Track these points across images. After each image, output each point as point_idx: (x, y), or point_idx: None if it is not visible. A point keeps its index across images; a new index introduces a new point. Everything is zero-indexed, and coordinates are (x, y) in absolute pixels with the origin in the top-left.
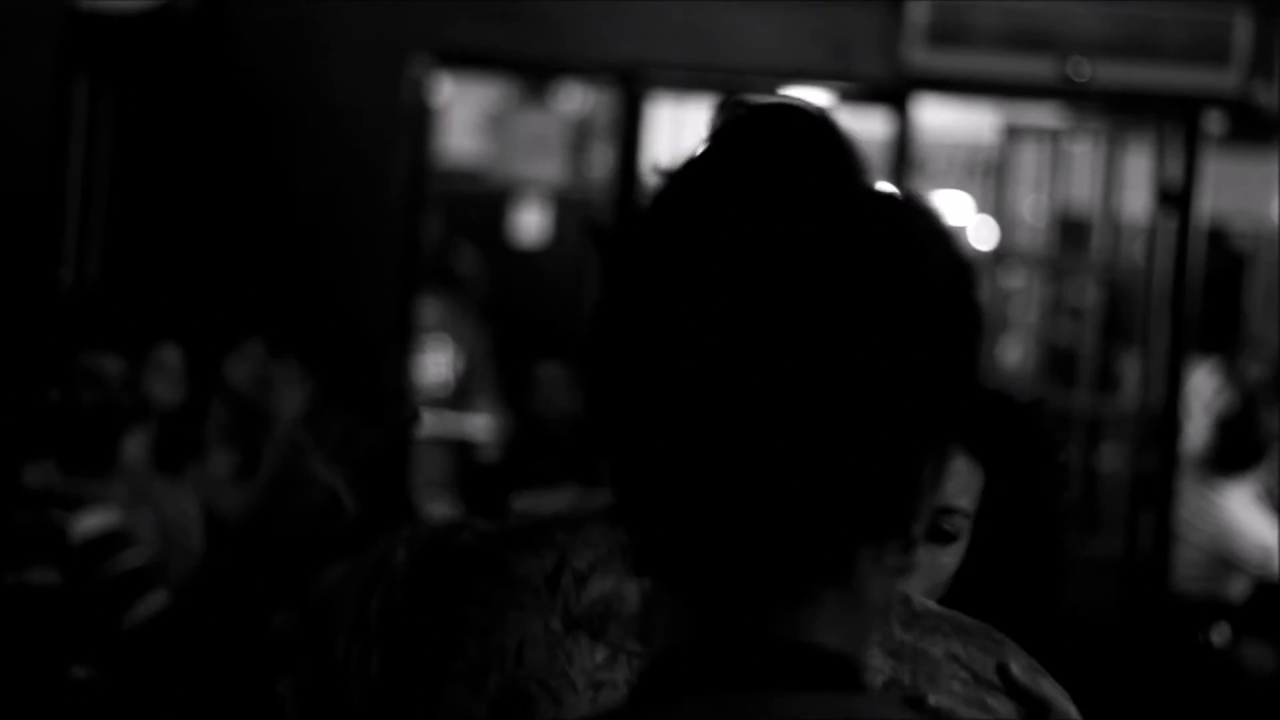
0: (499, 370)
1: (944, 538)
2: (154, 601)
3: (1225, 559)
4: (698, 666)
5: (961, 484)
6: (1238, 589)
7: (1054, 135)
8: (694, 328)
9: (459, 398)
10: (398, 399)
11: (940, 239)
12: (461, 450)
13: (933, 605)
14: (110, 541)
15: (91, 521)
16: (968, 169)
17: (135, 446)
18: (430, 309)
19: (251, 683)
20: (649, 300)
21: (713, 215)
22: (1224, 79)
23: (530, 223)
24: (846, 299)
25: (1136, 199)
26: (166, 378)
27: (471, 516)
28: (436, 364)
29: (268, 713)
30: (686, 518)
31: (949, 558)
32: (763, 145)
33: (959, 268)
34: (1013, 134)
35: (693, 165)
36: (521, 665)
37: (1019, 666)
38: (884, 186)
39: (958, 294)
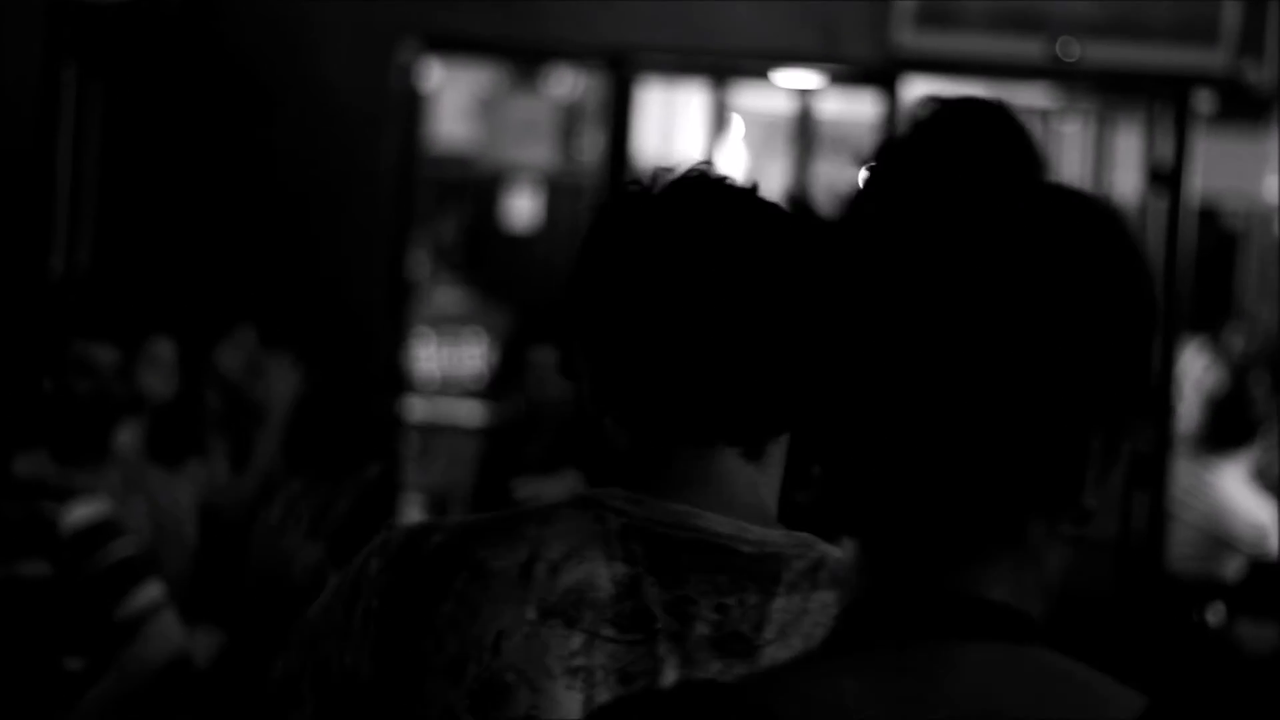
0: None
1: None
2: (147, 593)
3: (1220, 538)
4: (884, 616)
5: None
6: (1232, 568)
7: (1044, 115)
8: (897, 312)
9: (495, 388)
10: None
11: (1118, 233)
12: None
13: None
14: (101, 531)
15: (82, 512)
16: None
17: (128, 437)
18: (459, 300)
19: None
20: (855, 285)
21: (912, 209)
22: (1213, 58)
23: (521, 208)
24: (1028, 287)
25: (1127, 179)
26: (160, 371)
27: (440, 517)
28: (471, 356)
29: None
30: (880, 486)
31: None
32: (956, 142)
33: (1135, 262)
34: None
35: (893, 160)
36: (499, 655)
37: None
38: (1067, 182)
39: (1131, 284)
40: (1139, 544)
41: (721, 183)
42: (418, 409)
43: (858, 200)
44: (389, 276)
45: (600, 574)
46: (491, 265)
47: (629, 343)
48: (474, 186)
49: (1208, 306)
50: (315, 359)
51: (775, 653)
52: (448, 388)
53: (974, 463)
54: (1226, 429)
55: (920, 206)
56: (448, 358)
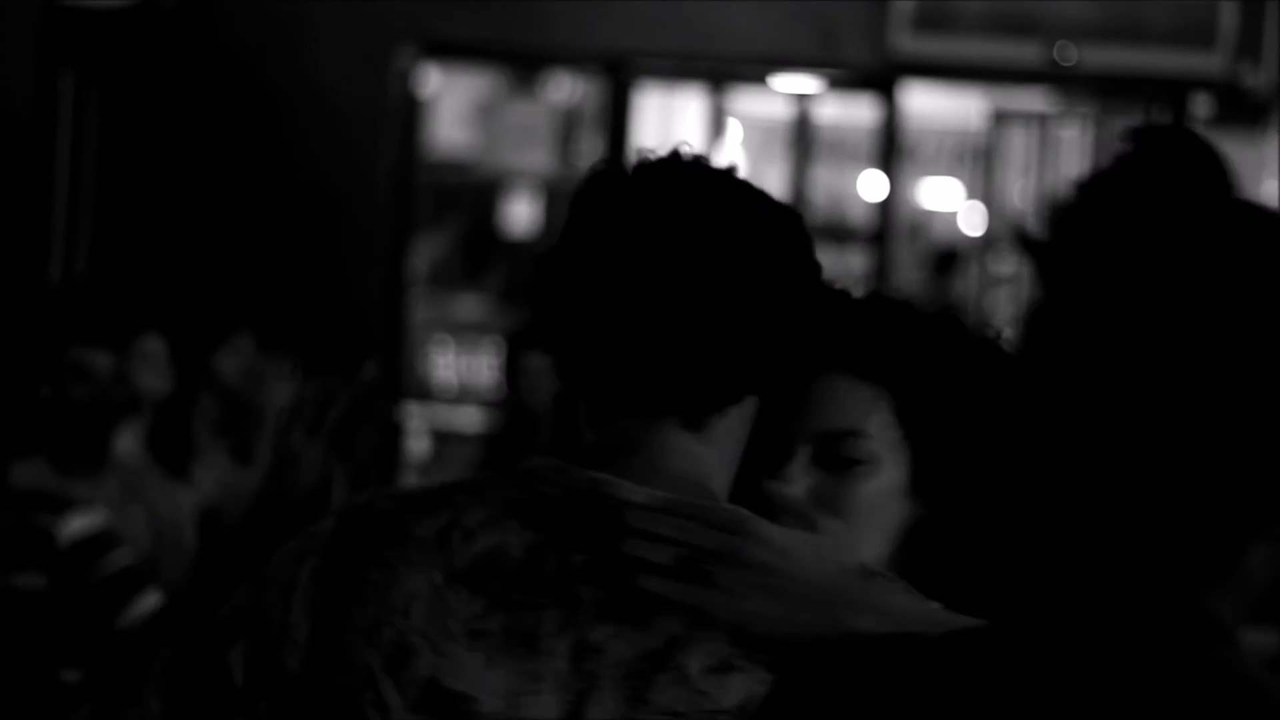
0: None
1: (844, 464)
2: (146, 602)
3: None
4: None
5: (856, 410)
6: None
7: (1042, 120)
8: (1114, 344)
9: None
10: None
11: None
12: None
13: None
14: (98, 542)
15: (79, 523)
16: (956, 154)
17: (128, 442)
18: (478, 307)
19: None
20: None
21: (1115, 231)
22: (1210, 62)
23: (519, 213)
24: (1249, 313)
25: None
26: (153, 367)
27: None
28: (489, 365)
29: (221, 684)
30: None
31: (869, 485)
32: (1161, 172)
33: None
34: (1000, 119)
35: (1105, 191)
36: (408, 618)
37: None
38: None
39: None
40: None
41: (689, 162)
42: (434, 416)
43: (1078, 236)
44: (387, 282)
45: (511, 541)
46: (494, 272)
47: (579, 313)
48: (471, 192)
49: None
50: (313, 364)
51: (669, 622)
52: (465, 396)
53: (1202, 485)
54: None
55: (1140, 239)
56: (465, 366)
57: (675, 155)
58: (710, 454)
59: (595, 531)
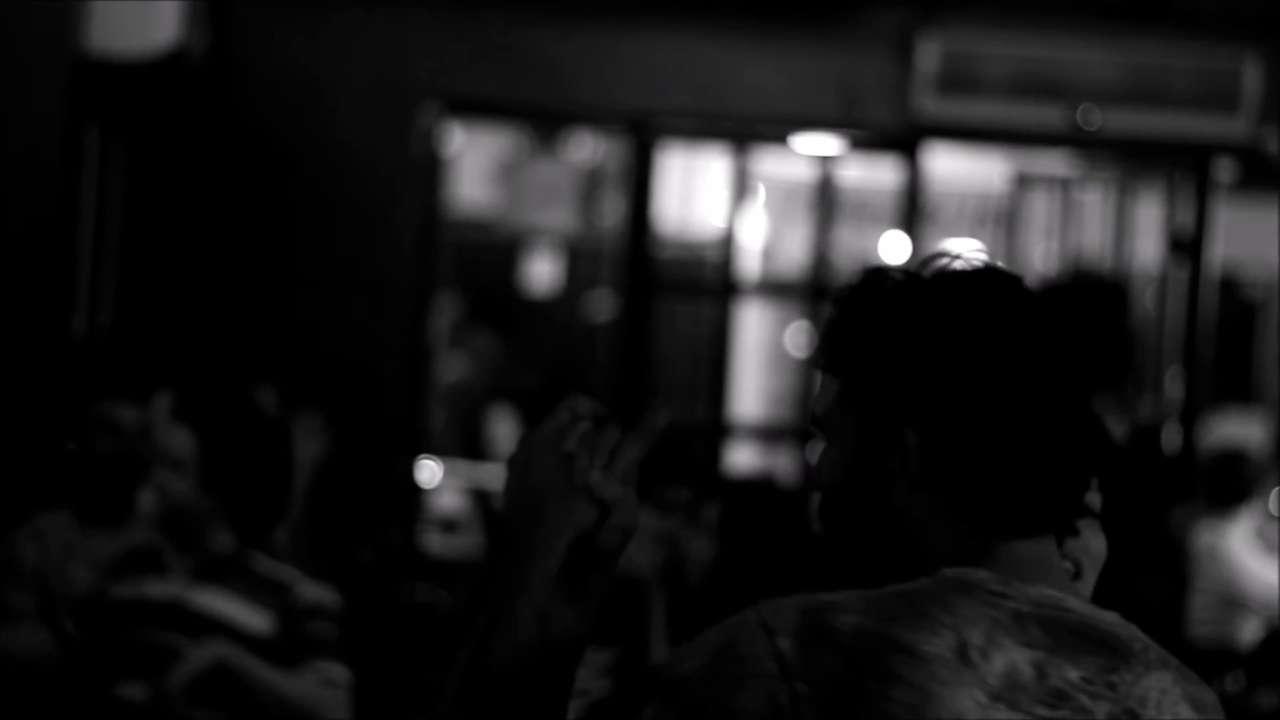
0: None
1: (1090, 514)
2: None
3: (1234, 600)
4: None
5: None
6: (1249, 632)
7: (1064, 183)
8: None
9: None
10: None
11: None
12: None
13: (1162, 650)
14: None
15: (206, 653)
16: (978, 217)
17: (150, 499)
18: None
19: None
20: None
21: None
22: (1234, 126)
23: (541, 272)
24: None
25: (1147, 247)
26: (170, 424)
27: (808, 594)
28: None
29: None
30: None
31: (1097, 540)
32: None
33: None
34: (1023, 182)
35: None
36: None
37: (1212, 700)
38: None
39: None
40: (1160, 610)
41: (1015, 276)
42: (471, 474)
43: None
44: (409, 339)
45: (1018, 658)
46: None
47: (982, 435)
48: (493, 251)
49: (1229, 376)
50: (335, 420)
51: None
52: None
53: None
54: (1221, 488)
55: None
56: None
57: (987, 266)
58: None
59: (1076, 646)
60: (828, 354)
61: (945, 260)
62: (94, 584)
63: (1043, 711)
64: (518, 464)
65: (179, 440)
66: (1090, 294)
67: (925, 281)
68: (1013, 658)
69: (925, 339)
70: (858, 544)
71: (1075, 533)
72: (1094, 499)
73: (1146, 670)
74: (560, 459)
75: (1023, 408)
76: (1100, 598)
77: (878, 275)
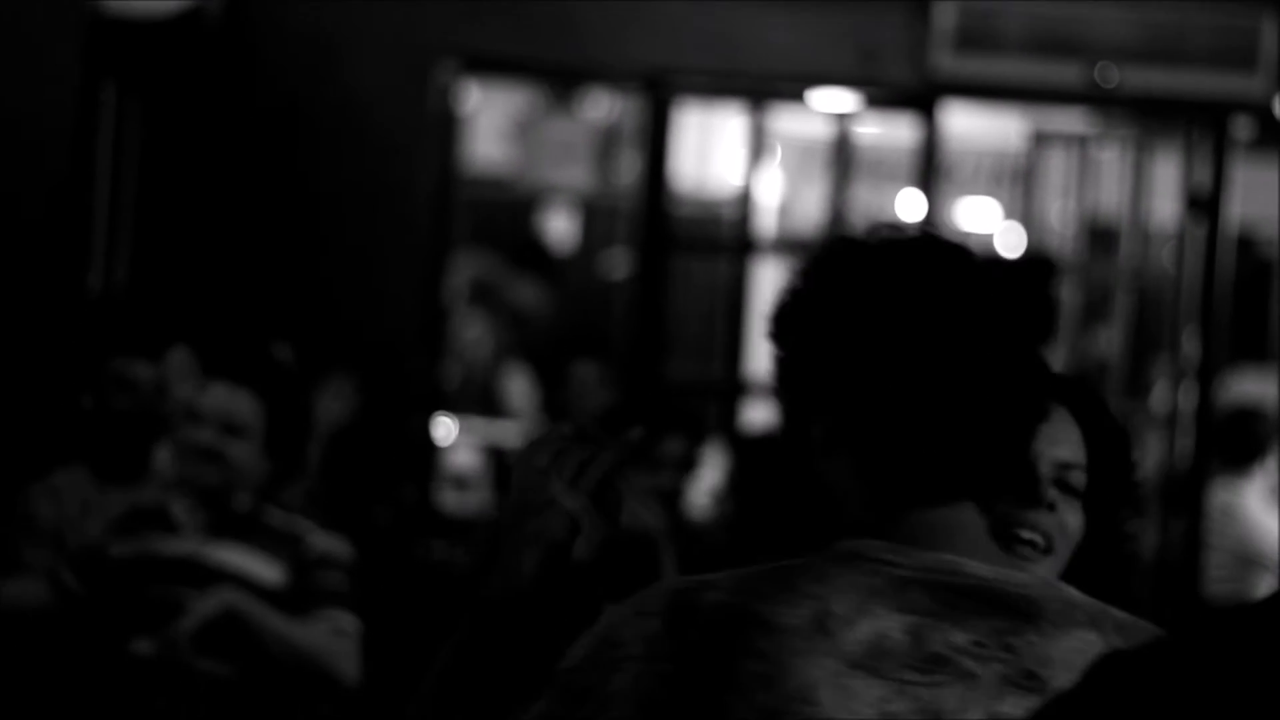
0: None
1: (1070, 491)
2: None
3: (1250, 558)
4: None
5: (1075, 443)
6: (1264, 589)
7: (1081, 141)
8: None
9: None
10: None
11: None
12: None
13: (1121, 613)
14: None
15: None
16: (995, 175)
17: (166, 453)
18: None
19: None
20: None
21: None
22: (1251, 84)
23: (558, 230)
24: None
25: (1165, 205)
26: (185, 379)
27: (696, 573)
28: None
29: None
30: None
31: (1075, 518)
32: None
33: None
34: (1040, 140)
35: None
36: (815, 706)
37: None
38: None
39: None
40: (1176, 568)
41: (952, 243)
42: (486, 431)
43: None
44: (425, 297)
45: (889, 625)
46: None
47: (896, 404)
48: (509, 209)
49: (1244, 333)
50: (365, 386)
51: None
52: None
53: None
54: (1235, 446)
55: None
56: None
57: (924, 233)
58: (984, 527)
59: (969, 609)
60: (771, 323)
61: (887, 230)
62: (97, 540)
63: (913, 677)
64: (513, 480)
65: (243, 406)
66: (1017, 266)
67: (847, 251)
68: (883, 625)
69: (836, 307)
70: (792, 511)
71: (993, 503)
72: (1079, 477)
73: (1059, 630)
74: (536, 474)
75: (928, 375)
76: (1079, 569)
77: (828, 245)
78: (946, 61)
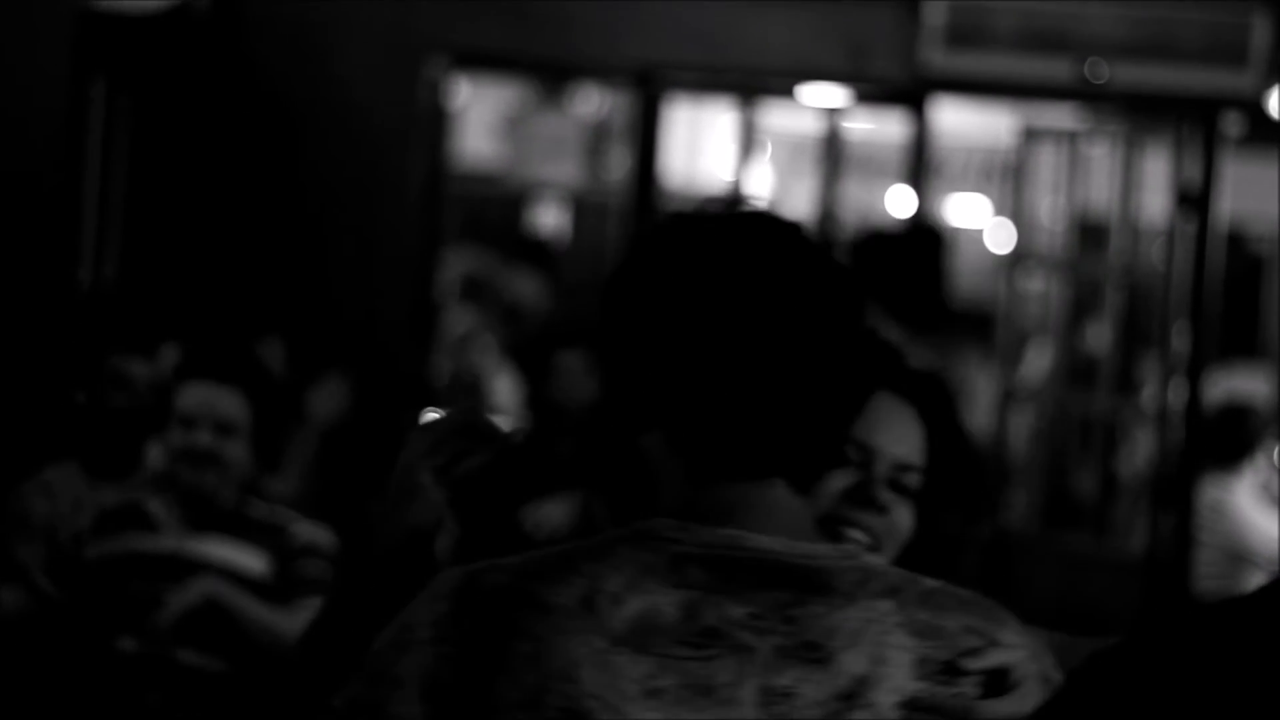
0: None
1: (904, 492)
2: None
3: (1240, 555)
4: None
5: (914, 444)
6: (1253, 586)
7: (1072, 137)
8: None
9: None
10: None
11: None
12: None
13: (934, 581)
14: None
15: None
16: (985, 171)
17: (158, 450)
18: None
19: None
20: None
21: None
22: (1241, 80)
23: (547, 225)
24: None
25: (1155, 201)
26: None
27: (492, 555)
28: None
29: None
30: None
31: (906, 518)
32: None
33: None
34: (1030, 136)
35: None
36: (576, 684)
37: (1014, 625)
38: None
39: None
40: (1165, 565)
41: (769, 219)
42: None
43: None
44: (415, 292)
45: (661, 601)
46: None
47: (699, 380)
48: (499, 204)
49: (1234, 331)
50: (360, 384)
51: (849, 658)
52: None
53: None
54: (1225, 443)
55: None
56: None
57: (761, 212)
58: (808, 506)
59: (748, 582)
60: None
61: (717, 206)
62: (69, 543)
63: (683, 652)
64: (397, 462)
65: (234, 405)
66: (903, 240)
67: (669, 227)
68: (655, 601)
69: (649, 281)
70: (625, 490)
71: (809, 485)
72: (914, 478)
73: (849, 601)
74: (414, 460)
75: (732, 350)
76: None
77: (656, 222)
78: (937, 57)
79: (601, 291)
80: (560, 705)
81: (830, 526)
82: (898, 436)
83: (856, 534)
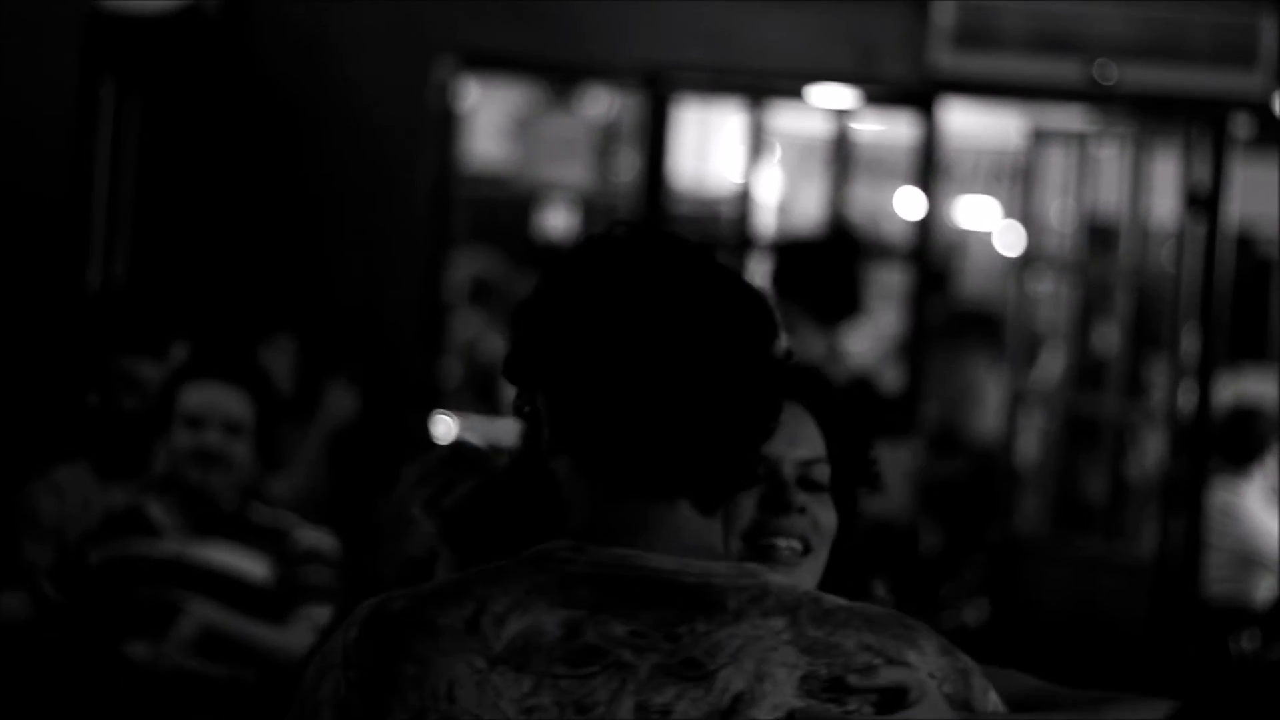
0: None
1: (816, 488)
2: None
3: (1250, 559)
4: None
5: (811, 438)
6: (1264, 589)
7: (1081, 139)
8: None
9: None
10: (425, 404)
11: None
12: None
13: (844, 601)
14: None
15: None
16: (994, 173)
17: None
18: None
19: None
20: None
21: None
22: (1250, 82)
23: (556, 226)
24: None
25: (1164, 203)
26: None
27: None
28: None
29: None
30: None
31: (827, 512)
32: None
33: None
34: (1039, 138)
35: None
36: (454, 703)
37: (932, 647)
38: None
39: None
40: (1175, 568)
41: (679, 242)
42: (488, 429)
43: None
44: (425, 294)
45: (545, 620)
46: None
47: (602, 400)
48: (509, 206)
49: (1243, 333)
50: (368, 383)
51: (730, 675)
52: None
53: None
54: (1235, 446)
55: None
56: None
57: (663, 233)
58: (716, 525)
59: (634, 601)
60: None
61: (622, 230)
62: (72, 548)
63: (561, 670)
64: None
65: (242, 406)
66: (819, 244)
67: (580, 250)
68: (539, 621)
69: (547, 304)
70: (537, 511)
71: (714, 505)
72: (822, 471)
73: (737, 619)
74: (407, 492)
75: (631, 372)
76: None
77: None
78: (946, 59)
79: (510, 316)
80: None
81: (755, 543)
82: (794, 436)
83: (785, 543)
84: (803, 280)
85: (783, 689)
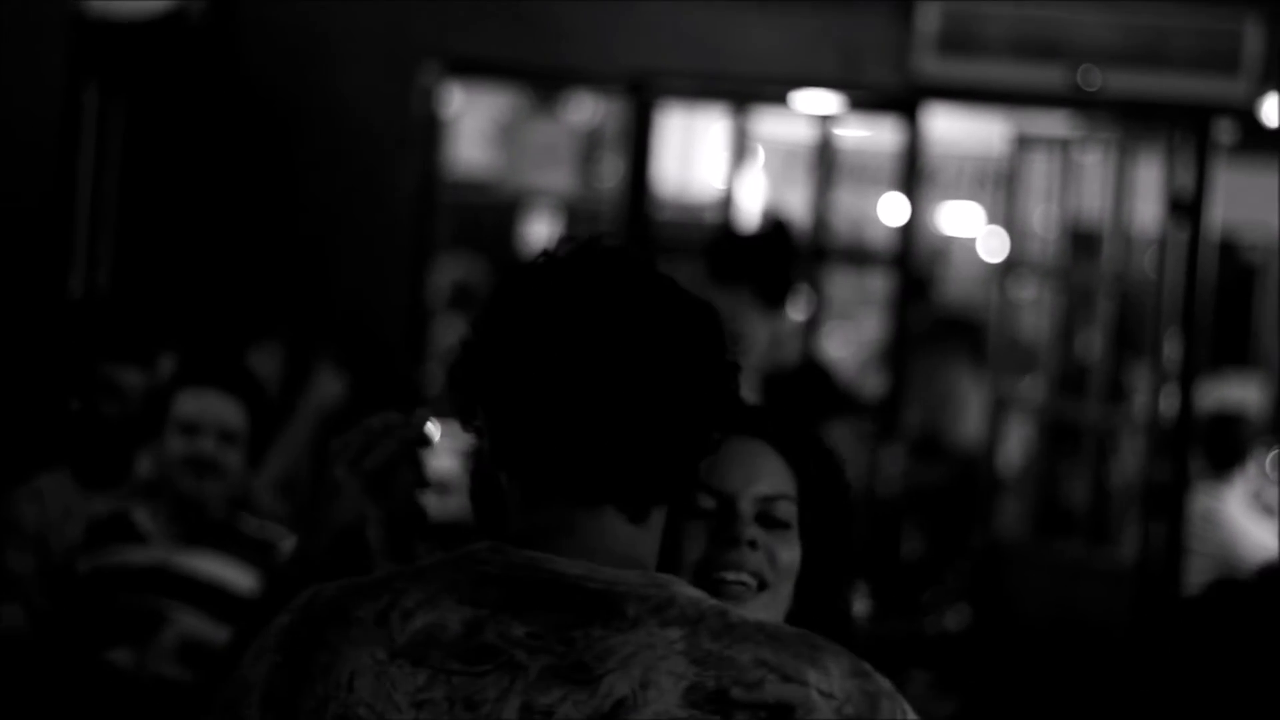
0: None
1: (777, 524)
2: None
3: (1232, 565)
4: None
5: (777, 475)
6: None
7: (1064, 145)
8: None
9: None
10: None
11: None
12: None
13: (750, 617)
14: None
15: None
16: (978, 179)
17: (148, 461)
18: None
19: None
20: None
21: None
22: (1234, 87)
23: (540, 233)
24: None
25: (1147, 209)
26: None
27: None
28: None
29: None
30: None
31: (788, 549)
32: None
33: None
34: (1023, 143)
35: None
36: (353, 693)
37: (840, 669)
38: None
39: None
40: (1156, 574)
41: (620, 255)
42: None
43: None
44: (408, 300)
45: (449, 617)
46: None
47: (527, 406)
48: (493, 212)
49: (1226, 339)
50: (357, 376)
51: (614, 681)
52: None
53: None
54: (1217, 451)
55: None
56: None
57: (603, 246)
58: (645, 536)
59: (536, 603)
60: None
61: (568, 246)
62: (60, 559)
63: (456, 666)
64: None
65: (235, 413)
66: (760, 233)
67: (527, 265)
68: (444, 618)
69: (481, 320)
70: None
71: (641, 513)
72: (786, 508)
73: (633, 627)
74: (334, 461)
75: (555, 380)
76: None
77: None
78: (929, 64)
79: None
80: (337, 713)
81: (707, 576)
82: (755, 473)
83: (734, 576)
84: (744, 268)
85: (667, 698)
